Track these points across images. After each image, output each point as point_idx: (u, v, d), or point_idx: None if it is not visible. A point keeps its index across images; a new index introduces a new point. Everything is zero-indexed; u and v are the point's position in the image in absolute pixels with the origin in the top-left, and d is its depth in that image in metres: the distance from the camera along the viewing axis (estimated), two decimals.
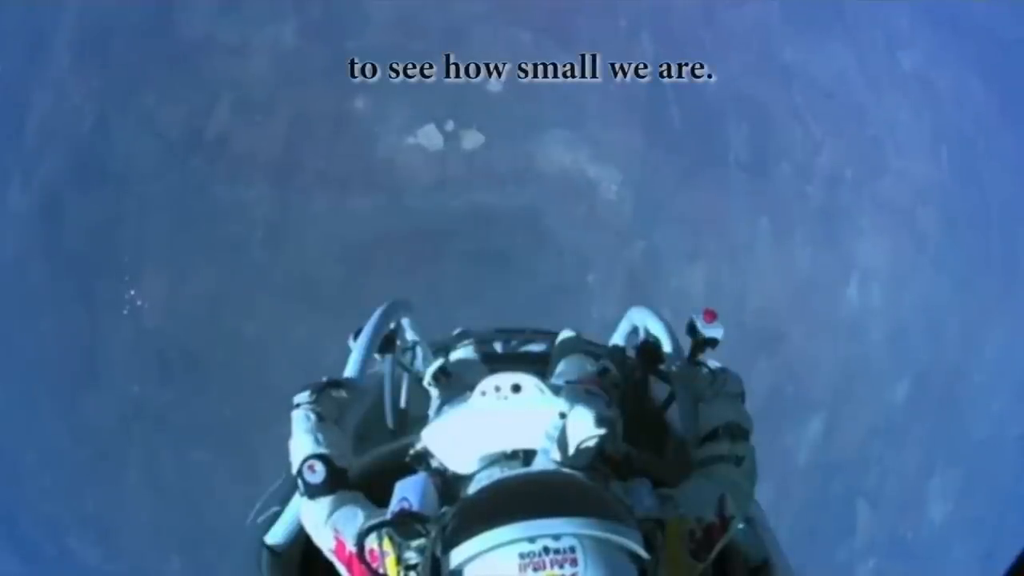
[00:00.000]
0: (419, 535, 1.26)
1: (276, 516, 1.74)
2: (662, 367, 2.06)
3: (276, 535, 1.74)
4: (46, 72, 4.76)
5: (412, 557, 1.27)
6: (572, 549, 1.08)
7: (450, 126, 4.83)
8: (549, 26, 4.98)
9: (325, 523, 1.46)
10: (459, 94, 4.84)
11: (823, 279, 4.89)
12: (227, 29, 4.87)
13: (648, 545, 1.15)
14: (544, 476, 1.38)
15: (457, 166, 4.80)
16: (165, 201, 4.59)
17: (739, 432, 1.58)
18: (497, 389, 1.60)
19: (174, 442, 4.30)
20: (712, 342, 2.05)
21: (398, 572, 1.28)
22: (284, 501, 1.74)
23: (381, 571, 1.29)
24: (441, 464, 1.56)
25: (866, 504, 4.70)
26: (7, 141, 4.65)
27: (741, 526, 1.54)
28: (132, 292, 4.45)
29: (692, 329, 2.07)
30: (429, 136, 4.82)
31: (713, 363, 1.81)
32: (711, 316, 2.05)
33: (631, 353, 2.27)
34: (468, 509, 1.19)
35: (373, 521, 1.33)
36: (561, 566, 1.06)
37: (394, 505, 1.36)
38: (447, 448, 1.57)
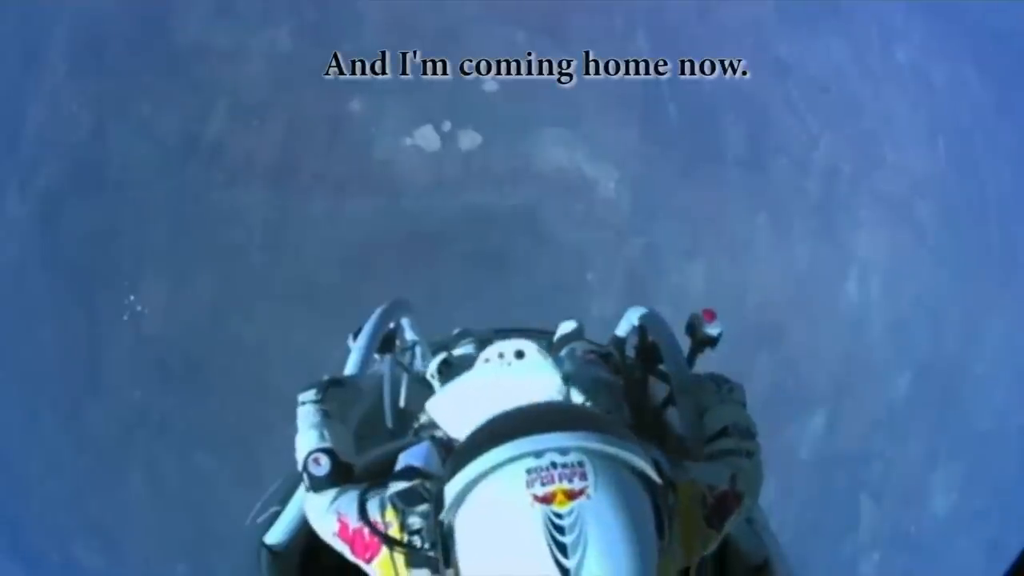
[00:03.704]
0: (423, 499, 1.23)
1: (276, 516, 1.75)
2: (662, 367, 2.07)
3: (276, 535, 1.74)
4: (42, 80, 4.77)
5: (416, 522, 1.24)
6: (580, 464, 1.02)
7: (447, 127, 4.84)
8: (545, 25, 4.98)
9: (328, 509, 1.44)
10: (455, 94, 4.85)
11: (822, 273, 4.89)
12: (222, 34, 4.88)
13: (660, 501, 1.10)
14: (548, 402, 1.37)
15: (455, 166, 4.81)
16: (163, 206, 4.59)
17: (747, 432, 1.57)
18: (500, 356, 1.61)
19: (177, 447, 4.30)
20: (712, 341, 2.06)
21: (402, 538, 1.25)
22: (284, 501, 1.74)
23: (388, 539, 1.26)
24: (445, 434, 1.56)
25: (869, 498, 4.69)
26: (4, 150, 4.65)
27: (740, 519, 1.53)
28: (132, 297, 4.45)
29: (692, 328, 2.07)
30: (426, 137, 4.82)
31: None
32: (710, 316, 2.06)
33: (630, 353, 2.28)
34: (467, 440, 1.15)
35: (375, 484, 1.30)
36: (570, 480, 1.00)
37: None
38: (451, 416, 1.57)
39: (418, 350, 2.32)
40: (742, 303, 4.66)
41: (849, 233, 5.00)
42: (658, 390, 2.12)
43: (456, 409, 1.56)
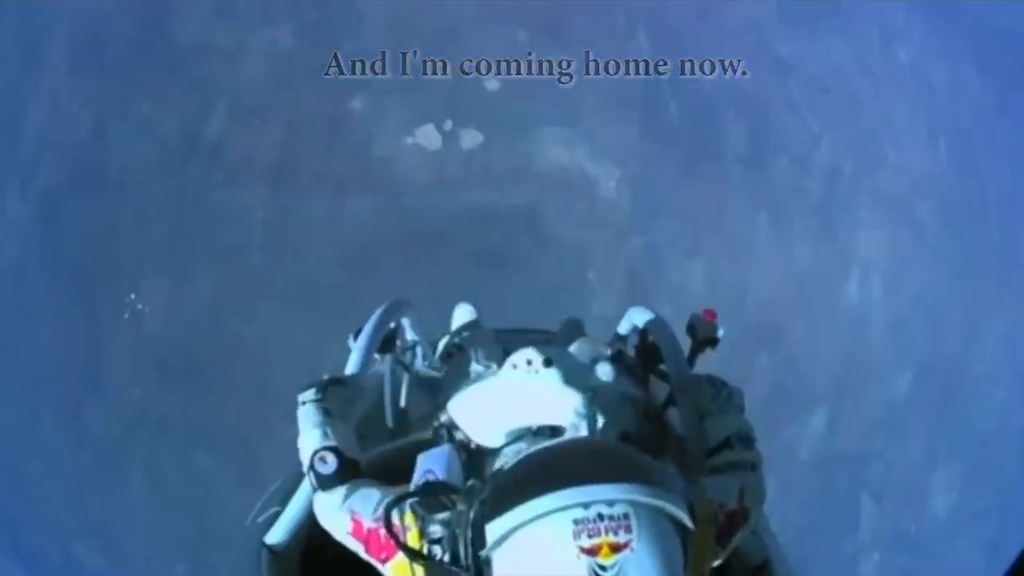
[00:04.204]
0: (444, 508, 1.23)
1: (276, 516, 1.74)
2: (662, 367, 2.06)
3: (276, 535, 1.73)
4: (42, 80, 4.76)
5: (436, 531, 1.23)
6: (626, 516, 1.04)
7: (448, 125, 4.84)
8: (545, 24, 4.98)
9: (340, 507, 1.43)
10: (456, 93, 4.85)
11: (823, 272, 4.89)
12: (222, 34, 4.87)
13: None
14: (590, 443, 1.37)
15: (456, 165, 4.81)
16: (164, 206, 4.59)
17: (749, 440, 1.57)
18: (529, 363, 1.59)
19: (177, 447, 4.30)
20: (713, 342, 2.06)
21: (421, 546, 1.25)
22: (284, 501, 1.74)
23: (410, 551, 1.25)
24: (466, 437, 1.55)
25: (869, 498, 4.69)
26: (4, 149, 4.65)
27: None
28: (132, 297, 4.45)
29: (693, 329, 2.07)
30: (427, 136, 4.82)
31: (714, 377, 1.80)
32: (711, 316, 2.06)
33: (631, 353, 2.28)
34: (512, 477, 1.16)
35: (399, 492, 1.29)
36: (616, 533, 1.02)
37: (418, 477, 1.32)
38: (473, 420, 1.56)
39: (419, 350, 2.32)
40: (742, 302, 4.66)
41: (849, 233, 5.01)
42: (659, 390, 2.12)
43: (479, 414, 1.56)
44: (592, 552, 1.01)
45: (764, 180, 4.98)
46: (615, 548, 1.02)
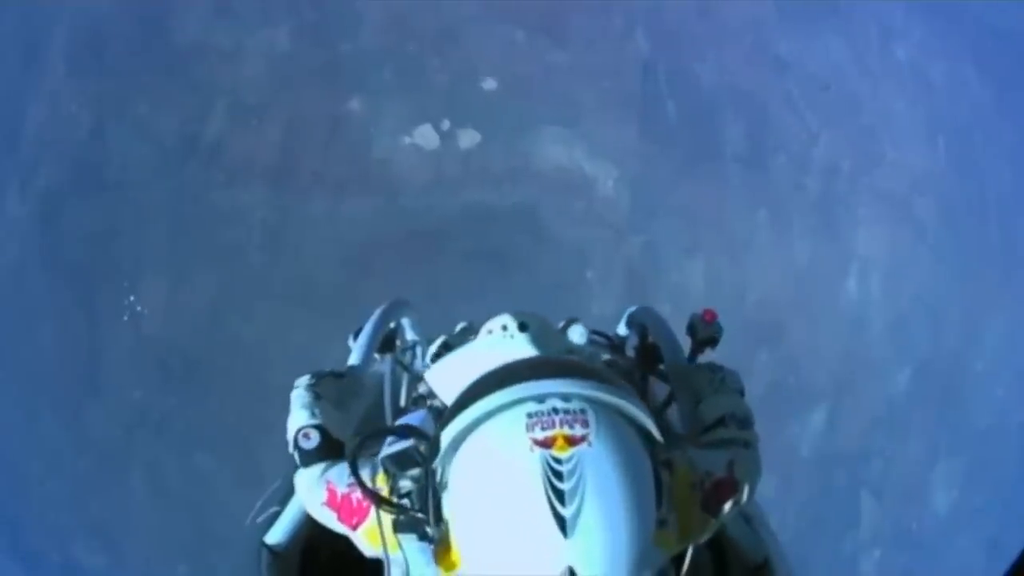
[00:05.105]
0: (415, 463, 1.19)
1: (276, 516, 1.75)
2: (662, 367, 2.07)
3: (276, 535, 1.74)
4: (42, 80, 4.77)
5: (406, 486, 1.21)
6: (583, 411, 1.00)
7: (446, 125, 4.84)
8: (544, 24, 4.98)
9: (318, 480, 1.42)
10: (454, 93, 4.85)
11: (822, 270, 4.89)
12: (221, 34, 4.88)
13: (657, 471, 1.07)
14: (546, 356, 1.36)
15: (454, 165, 4.81)
16: (163, 207, 4.59)
17: (745, 421, 1.53)
18: (504, 328, 1.60)
19: (177, 447, 4.30)
20: (712, 341, 2.07)
21: (391, 501, 1.22)
22: (284, 501, 1.74)
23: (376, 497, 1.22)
24: (442, 404, 1.55)
25: (870, 496, 4.69)
26: (4, 149, 4.65)
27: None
28: (132, 298, 4.45)
29: (692, 329, 2.08)
30: (425, 136, 4.82)
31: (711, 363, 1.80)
32: (711, 316, 2.07)
33: (630, 353, 2.28)
34: (466, 389, 1.12)
35: (371, 431, 1.26)
36: (571, 426, 0.98)
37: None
38: (448, 384, 1.56)
39: (418, 350, 2.32)
40: (742, 301, 4.66)
41: (849, 230, 5.01)
42: (658, 391, 2.12)
43: (454, 378, 1.54)
44: (546, 444, 0.97)
45: (763, 178, 4.98)
46: (570, 441, 0.97)
